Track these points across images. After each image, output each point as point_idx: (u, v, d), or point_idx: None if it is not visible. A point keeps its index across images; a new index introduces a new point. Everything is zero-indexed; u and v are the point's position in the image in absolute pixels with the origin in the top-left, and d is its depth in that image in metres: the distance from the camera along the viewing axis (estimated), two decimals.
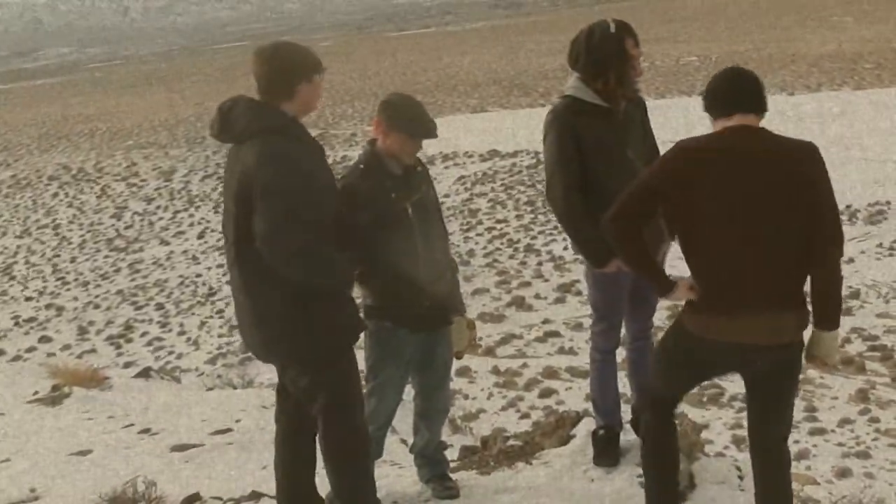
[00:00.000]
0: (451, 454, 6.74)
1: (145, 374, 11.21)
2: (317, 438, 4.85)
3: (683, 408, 5.99)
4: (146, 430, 7.77)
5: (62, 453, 7.30)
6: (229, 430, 7.61)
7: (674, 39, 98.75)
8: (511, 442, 6.10)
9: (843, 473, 19.66)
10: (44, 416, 8.60)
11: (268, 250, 4.53)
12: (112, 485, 5.99)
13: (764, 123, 4.51)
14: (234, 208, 4.67)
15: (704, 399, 25.02)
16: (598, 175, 5.44)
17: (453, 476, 5.69)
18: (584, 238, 5.50)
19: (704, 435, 11.04)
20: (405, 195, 5.28)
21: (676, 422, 4.88)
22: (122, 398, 9.20)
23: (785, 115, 55.21)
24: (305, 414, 4.86)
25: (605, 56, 5.37)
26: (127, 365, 27.68)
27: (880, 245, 35.64)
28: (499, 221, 43.03)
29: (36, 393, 9.42)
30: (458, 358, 5.62)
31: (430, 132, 5.30)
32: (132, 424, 8.00)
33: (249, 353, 24.88)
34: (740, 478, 5.39)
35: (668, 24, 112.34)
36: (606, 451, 5.71)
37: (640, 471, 5.40)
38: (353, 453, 4.83)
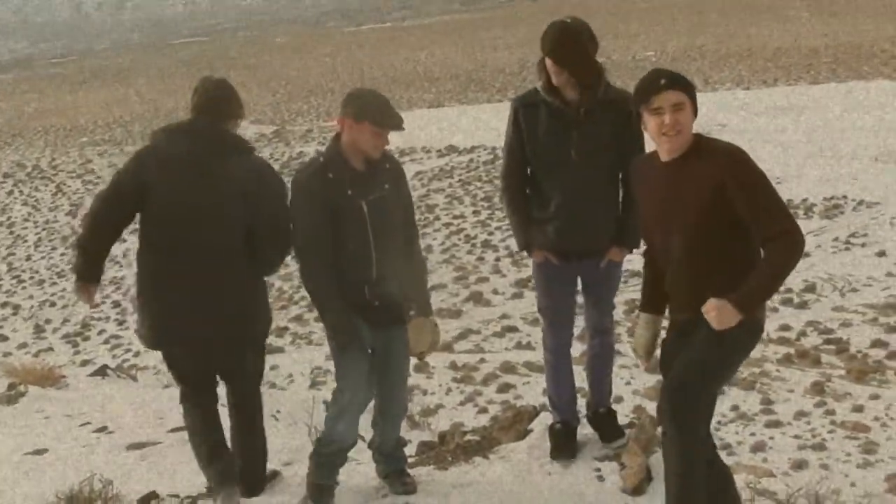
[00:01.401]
0: (409, 450, 6.75)
1: (102, 372, 11.11)
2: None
3: (641, 401, 6.01)
4: (102, 429, 7.71)
5: (18, 452, 7.24)
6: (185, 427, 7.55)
7: (629, 35, 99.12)
8: (468, 437, 6.12)
9: (800, 465, 19.82)
10: None
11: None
12: (69, 484, 5.94)
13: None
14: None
15: None
16: (539, 168, 5.59)
17: (411, 471, 5.70)
18: (512, 222, 5.77)
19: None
20: (361, 193, 5.25)
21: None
22: (79, 397, 9.12)
23: (742, 110, 55.59)
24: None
25: (542, 57, 5.46)
26: (84, 363, 27.44)
27: (836, 239, 35.93)
28: (456, 217, 43.03)
29: None
30: (420, 359, 5.60)
31: (398, 123, 5.29)
32: (88, 423, 7.93)
33: None
34: None
35: (624, 18, 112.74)
36: (563, 446, 5.77)
37: (598, 465, 5.45)
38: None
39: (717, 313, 4.35)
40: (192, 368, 5.70)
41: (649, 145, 5.02)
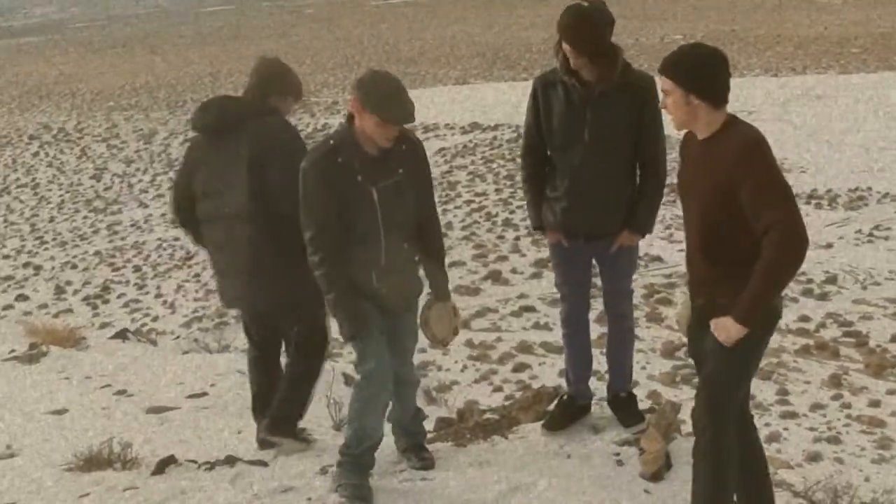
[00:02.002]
0: (428, 425, 6.77)
1: (122, 335, 11.16)
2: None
3: (657, 387, 6.03)
4: (122, 392, 7.75)
5: (39, 412, 7.28)
6: (205, 394, 7.59)
7: (660, 17, 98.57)
8: (488, 415, 6.11)
9: (814, 458, 19.80)
10: (20, 375, 8.57)
11: None
12: (88, 445, 5.98)
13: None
14: None
15: (678, 379, 25.13)
16: (553, 147, 5.62)
17: (429, 447, 5.71)
18: (527, 200, 5.83)
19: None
20: (372, 179, 5.11)
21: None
22: (99, 359, 9.16)
23: (770, 98, 55.28)
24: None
25: (559, 38, 5.44)
26: (103, 325, 27.62)
27: (859, 231, 35.74)
28: (478, 195, 42.97)
29: (13, 351, 9.38)
30: (443, 346, 5.56)
31: (404, 118, 5.06)
32: (108, 385, 7.97)
33: (224, 318, 24.82)
34: None
35: (655, 1, 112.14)
36: (557, 417, 5.86)
37: (617, 449, 5.44)
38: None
39: (724, 334, 4.35)
40: (245, 324, 6.21)
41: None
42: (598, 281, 5.96)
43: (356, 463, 5.24)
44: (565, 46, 5.38)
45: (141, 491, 5.35)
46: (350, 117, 5.16)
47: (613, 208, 5.56)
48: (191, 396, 7.49)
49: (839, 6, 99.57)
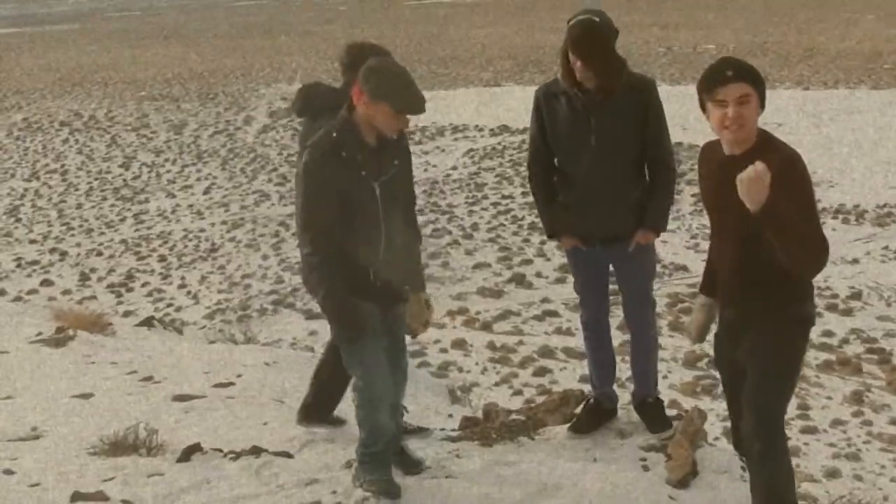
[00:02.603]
0: (453, 423, 6.77)
1: (148, 323, 11.19)
2: None
3: (678, 397, 6.02)
4: (148, 378, 7.77)
5: (64, 394, 7.31)
6: (231, 384, 7.60)
7: (693, 26, 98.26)
8: (514, 416, 6.10)
9: (833, 474, 19.71)
10: (47, 357, 8.60)
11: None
12: (113, 429, 6.00)
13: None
14: None
15: (699, 389, 25.06)
16: (560, 155, 5.73)
17: (454, 445, 5.71)
18: (538, 209, 5.99)
19: None
20: (375, 173, 5.06)
21: None
22: (125, 345, 9.20)
23: (801, 111, 55.01)
24: None
25: (564, 48, 5.53)
26: (126, 314, 27.70)
27: (886, 248, 35.52)
28: (504, 197, 42.92)
29: (40, 334, 9.41)
30: (413, 337, 5.52)
31: (418, 107, 4.98)
32: (135, 371, 8.00)
33: (247, 311, 24.91)
34: (743, 468, 5.39)
35: (688, 11, 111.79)
36: (583, 422, 5.90)
37: (643, 454, 5.43)
38: None
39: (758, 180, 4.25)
40: None
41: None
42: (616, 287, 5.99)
43: (376, 459, 5.22)
44: (573, 59, 5.46)
45: (166, 477, 5.37)
46: (350, 106, 5.06)
47: (626, 211, 5.65)
48: (217, 386, 7.49)
49: (872, 21, 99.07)
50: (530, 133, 5.81)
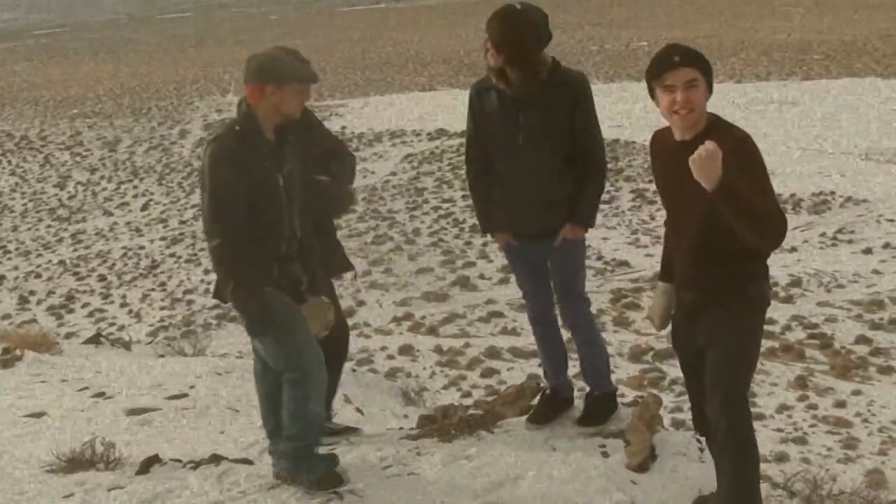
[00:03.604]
0: (410, 423, 6.80)
1: (95, 340, 11.09)
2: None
3: (625, 391, 6.09)
4: (100, 394, 7.71)
5: (16, 414, 7.23)
6: (185, 395, 7.56)
7: (625, 24, 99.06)
8: (471, 411, 6.14)
9: (781, 458, 20.01)
10: None
11: None
12: (69, 446, 5.95)
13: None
14: None
15: (645, 382, 25.30)
16: (491, 151, 5.70)
17: (414, 443, 5.74)
18: (474, 206, 5.93)
19: None
20: (277, 165, 5.09)
21: None
22: (74, 363, 9.11)
23: (733, 103, 55.64)
24: None
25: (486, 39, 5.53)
26: (68, 335, 27.43)
27: (823, 235, 36.13)
28: (445, 201, 43.11)
29: None
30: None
31: (315, 75, 5.25)
32: (86, 388, 7.93)
33: (191, 327, 24.92)
34: (700, 450, 5.48)
35: (620, 8, 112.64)
36: (539, 412, 5.91)
37: (602, 441, 5.49)
38: None
39: (710, 155, 4.30)
40: None
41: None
42: None
43: (312, 453, 5.24)
44: (489, 45, 5.45)
45: (126, 490, 5.34)
46: (246, 105, 5.07)
47: (555, 206, 5.60)
48: (171, 398, 7.45)
49: (801, 14, 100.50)
50: (466, 130, 5.80)
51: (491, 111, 5.57)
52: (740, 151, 4.34)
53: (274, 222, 5.09)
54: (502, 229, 5.76)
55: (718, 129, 4.45)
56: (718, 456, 4.56)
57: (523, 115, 5.47)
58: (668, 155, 4.61)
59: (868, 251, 34.63)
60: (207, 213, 4.97)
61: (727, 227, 4.38)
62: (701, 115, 4.49)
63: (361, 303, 32.14)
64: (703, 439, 5.35)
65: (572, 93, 5.47)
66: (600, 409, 5.86)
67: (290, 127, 5.20)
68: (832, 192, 40.30)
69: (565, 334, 5.98)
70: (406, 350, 28.28)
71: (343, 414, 7.01)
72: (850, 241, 35.79)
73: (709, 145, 4.22)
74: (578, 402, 5.97)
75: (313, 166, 5.74)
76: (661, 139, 4.67)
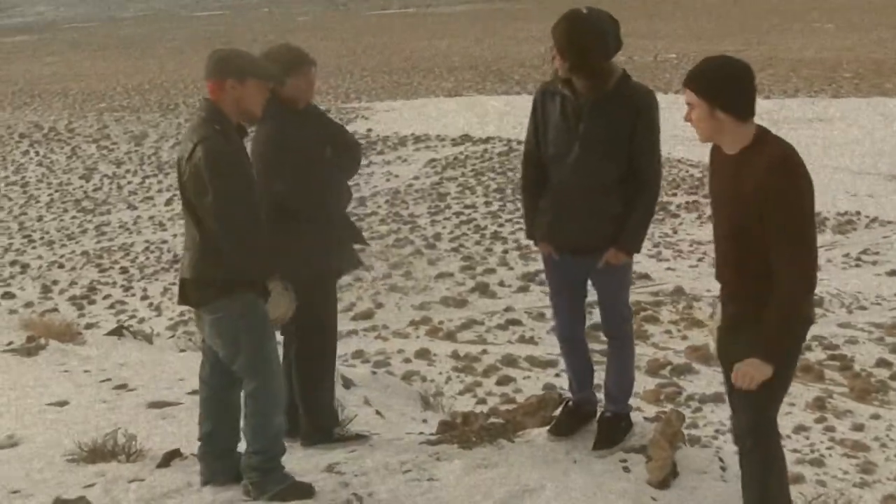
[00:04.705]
0: (429, 428, 6.80)
1: (118, 332, 11.12)
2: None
3: (641, 405, 6.08)
4: (123, 386, 7.74)
5: (39, 403, 7.27)
6: None
7: (654, 35, 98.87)
8: (492, 419, 6.12)
9: (797, 479, 19.86)
10: (18, 366, 8.55)
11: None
12: (91, 436, 5.98)
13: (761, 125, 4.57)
14: None
15: (662, 397, 25.20)
16: (547, 158, 5.55)
17: (434, 448, 5.73)
18: (523, 209, 5.78)
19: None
20: (248, 158, 5.09)
21: None
22: (97, 354, 9.16)
23: (760, 119, 55.26)
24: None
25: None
26: (88, 326, 27.55)
27: (847, 255, 35.93)
28: (467, 206, 43.07)
29: (10, 343, 9.36)
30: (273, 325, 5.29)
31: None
32: (108, 379, 7.96)
33: None
34: (722, 468, 5.46)
35: (649, 20, 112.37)
36: (560, 424, 5.84)
37: (624, 456, 5.48)
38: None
39: (749, 379, 4.38)
40: None
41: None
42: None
43: (278, 465, 5.18)
44: (555, 51, 5.32)
45: (147, 483, 5.36)
46: (209, 103, 5.00)
47: (600, 224, 5.45)
48: (192, 393, 7.46)
49: (832, 31, 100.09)
50: (527, 132, 5.63)
51: (552, 116, 5.44)
52: (770, 171, 4.29)
53: (254, 216, 5.03)
54: (544, 239, 5.64)
55: (761, 144, 4.41)
56: (744, 472, 4.56)
57: (583, 125, 5.33)
58: (717, 167, 4.59)
59: (892, 273, 34.42)
60: (226, 208, 4.86)
61: (759, 245, 4.36)
62: (708, 136, 4.46)
63: (380, 305, 32.15)
64: (724, 458, 5.35)
65: (636, 108, 5.31)
66: (614, 430, 5.78)
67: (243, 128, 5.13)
68: (858, 213, 40.11)
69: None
70: (423, 354, 28.26)
71: (362, 416, 7.00)
72: (874, 263, 35.59)
73: (736, 375, 4.40)
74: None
75: (317, 157, 5.77)
76: (716, 152, 4.60)
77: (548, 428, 5.85)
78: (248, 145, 5.37)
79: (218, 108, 4.97)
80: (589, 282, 5.72)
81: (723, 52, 4.84)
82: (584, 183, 5.40)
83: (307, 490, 5.13)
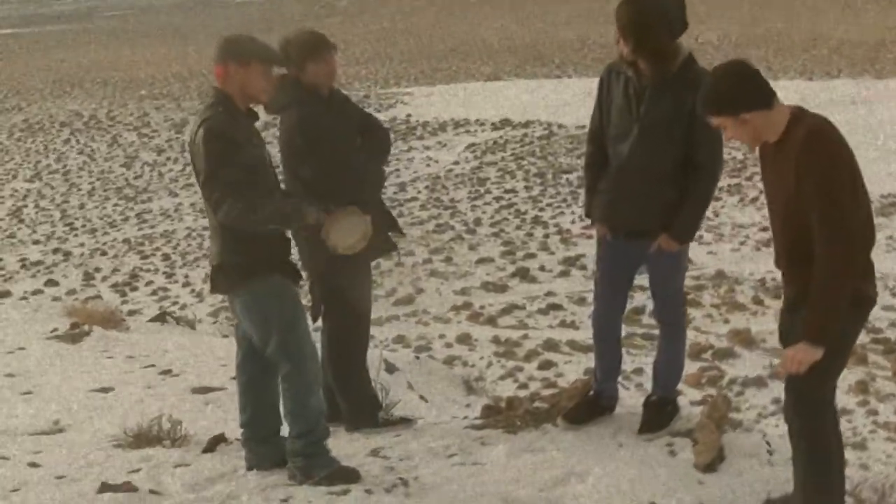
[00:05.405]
0: (473, 412, 6.78)
1: (161, 318, 11.23)
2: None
3: (683, 388, 6.04)
4: (167, 372, 7.79)
5: (84, 389, 7.33)
6: None
7: (693, 18, 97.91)
8: (537, 404, 6.10)
9: None
10: (63, 353, 8.62)
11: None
12: (136, 421, 6.02)
13: (796, 105, 4.55)
14: None
15: (704, 381, 25.08)
16: (609, 138, 5.52)
17: (478, 433, 5.72)
18: (584, 186, 5.74)
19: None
20: (259, 142, 5.10)
21: None
22: (141, 340, 9.23)
23: (804, 101, 54.75)
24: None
25: None
26: (131, 313, 27.70)
27: (891, 238, 35.54)
28: (507, 191, 42.93)
29: (55, 330, 9.44)
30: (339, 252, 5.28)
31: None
32: (153, 365, 8.01)
33: None
34: (769, 452, 5.40)
35: (689, 2, 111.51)
36: (576, 412, 5.81)
37: (671, 439, 5.44)
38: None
39: (798, 364, 4.36)
40: None
41: None
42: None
43: (322, 448, 5.16)
44: (618, 34, 5.29)
45: (192, 468, 5.38)
46: (217, 90, 5.03)
47: (656, 207, 5.41)
48: (235, 378, 7.50)
49: (875, 10, 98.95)
50: (593, 110, 5.60)
51: (616, 96, 5.41)
52: (802, 148, 4.29)
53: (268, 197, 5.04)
54: (601, 220, 5.61)
55: (797, 124, 4.38)
56: (794, 448, 4.55)
57: (644, 107, 5.30)
58: (763, 157, 4.58)
59: None
60: (220, 187, 4.86)
61: (808, 230, 4.33)
62: (760, 137, 4.45)
63: (420, 290, 32.13)
64: (771, 442, 5.32)
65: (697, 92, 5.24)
66: (661, 413, 5.75)
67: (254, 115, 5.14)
68: None
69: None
70: (464, 339, 28.22)
71: (406, 401, 7.01)
72: None
73: (784, 358, 4.41)
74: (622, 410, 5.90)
75: (347, 143, 5.77)
76: (763, 143, 4.60)
77: (562, 415, 5.79)
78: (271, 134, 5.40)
79: (224, 93, 5.00)
80: (642, 266, 5.69)
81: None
82: (643, 166, 5.36)
83: (353, 474, 5.11)
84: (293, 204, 5.10)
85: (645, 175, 5.38)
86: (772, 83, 4.53)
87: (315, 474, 5.07)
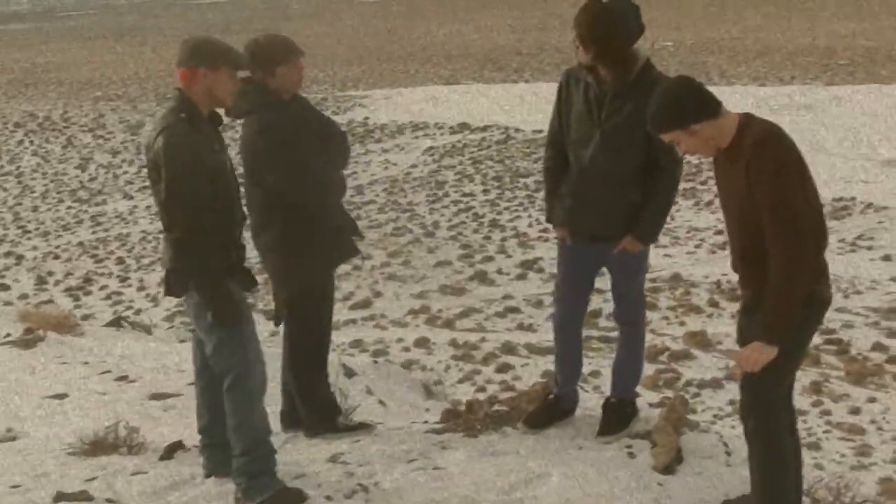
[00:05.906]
0: (433, 416, 6.78)
1: (117, 323, 11.13)
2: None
3: (639, 390, 6.08)
4: (123, 378, 7.71)
5: (38, 396, 7.24)
6: None
7: (650, 24, 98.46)
8: (497, 407, 6.11)
9: None
10: (17, 358, 8.51)
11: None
12: (92, 428, 5.95)
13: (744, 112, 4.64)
14: None
15: (660, 383, 25.22)
16: (569, 144, 5.53)
17: (439, 437, 5.71)
18: (545, 190, 5.76)
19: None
20: (221, 148, 5.02)
21: None
22: (96, 345, 9.12)
23: (756, 107, 55.45)
24: None
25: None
26: (85, 317, 27.45)
27: (842, 241, 35.89)
28: (465, 195, 42.98)
29: (8, 335, 9.32)
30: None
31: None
32: (108, 371, 7.93)
33: None
34: (727, 453, 5.45)
35: (646, 8, 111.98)
36: (536, 416, 5.81)
37: (629, 442, 5.47)
38: None
39: (753, 363, 4.41)
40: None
41: None
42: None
43: (265, 467, 5.01)
44: (577, 41, 5.30)
45: (150, 475, 5.33)
46: (180, 92, 4.94)
47: (619, 212, 5.44)
48: (192, 384, 7.44)
49: (827, 18, 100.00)
50: (551, 114, 5.61)
51: (575, 101, 5.43)
52: (751, 153, 4.36)
53: (228, 207, 4.97)
54: (562, 224, 5.61)
55: (746, 129, 4.45)
56: (749, 449, 4.59)
57: (605, 113, 5.33)
58: (716, 163, 4.64)
59: (887, 258, 34.42)
60: (168, 203, 4.79)
61: (760, 234, 4.38)
62: (712, 148, 4.51)
63: (378, 294, 32.08)
64: (728, 443, 5.36)
65: None
66: (620, 415, 5.76)
67: (217, 117, 5.08)
68: (853, 199, 40.09)
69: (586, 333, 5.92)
70: (421, 343, 28.21)
71: (365, 406, 6.98)
72: (869, 248, 35.59)
73: (738, 357, 4.48)
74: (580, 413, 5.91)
75: (308, 149, 5.70)
76: (718, 152, 4.66)
77: (522, 419, 5.80)
78: (229, 136, 5.35)
79: (187, 97, 4.91)
80: (601, 269, 5.71)
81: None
82: (605, 171, 5.39)
83: (297, 496, 4.99)
84: (223, 289, 4.89)
85: (607, 180, 5.41)
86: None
87: (255, 497, 4.93)
